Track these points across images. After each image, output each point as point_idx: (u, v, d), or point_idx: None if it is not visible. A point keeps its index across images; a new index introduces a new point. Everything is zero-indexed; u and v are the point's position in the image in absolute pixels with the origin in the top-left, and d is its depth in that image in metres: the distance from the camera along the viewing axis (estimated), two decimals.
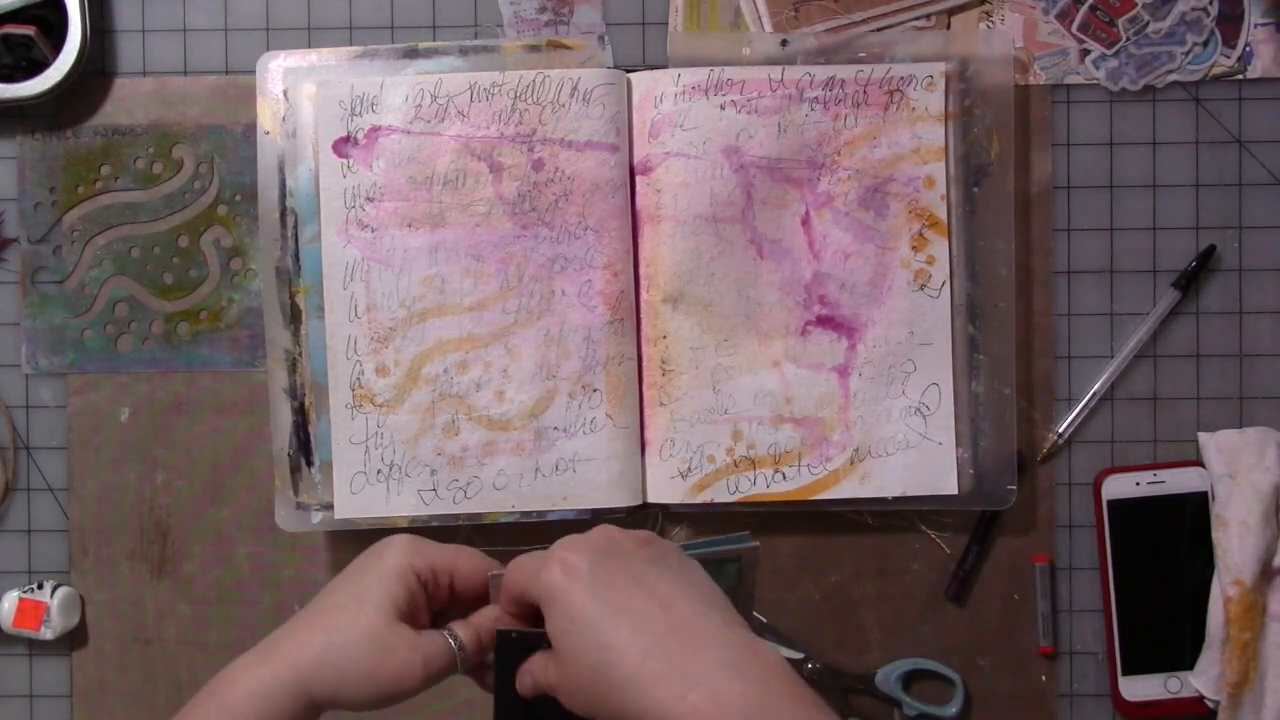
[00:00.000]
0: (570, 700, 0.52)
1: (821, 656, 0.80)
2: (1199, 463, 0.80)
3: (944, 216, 0.79)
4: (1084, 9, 0.81)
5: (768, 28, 0.80)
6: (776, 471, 0.78)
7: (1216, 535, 0.78)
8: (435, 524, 0.78)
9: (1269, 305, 0.81)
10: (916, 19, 0.80)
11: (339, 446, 0.78)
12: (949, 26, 0.81)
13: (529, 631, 0.56)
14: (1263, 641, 0.77)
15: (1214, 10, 0.80)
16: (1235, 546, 0.77)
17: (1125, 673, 0.80)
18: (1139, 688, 0.79)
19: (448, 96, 0.78)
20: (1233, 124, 0.81)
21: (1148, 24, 0.80)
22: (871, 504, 0.79)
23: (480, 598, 0.59)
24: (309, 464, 0.79)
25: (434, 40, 0.81)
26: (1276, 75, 0.81)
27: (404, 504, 0.78)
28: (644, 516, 0.80)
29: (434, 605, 0.59)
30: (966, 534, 0.81)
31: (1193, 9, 0.80)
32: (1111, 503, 0.80)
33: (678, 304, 0.78)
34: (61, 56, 0.79)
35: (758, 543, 0.60)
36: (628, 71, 0.79)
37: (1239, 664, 0.77)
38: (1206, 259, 0.81)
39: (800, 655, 0.80)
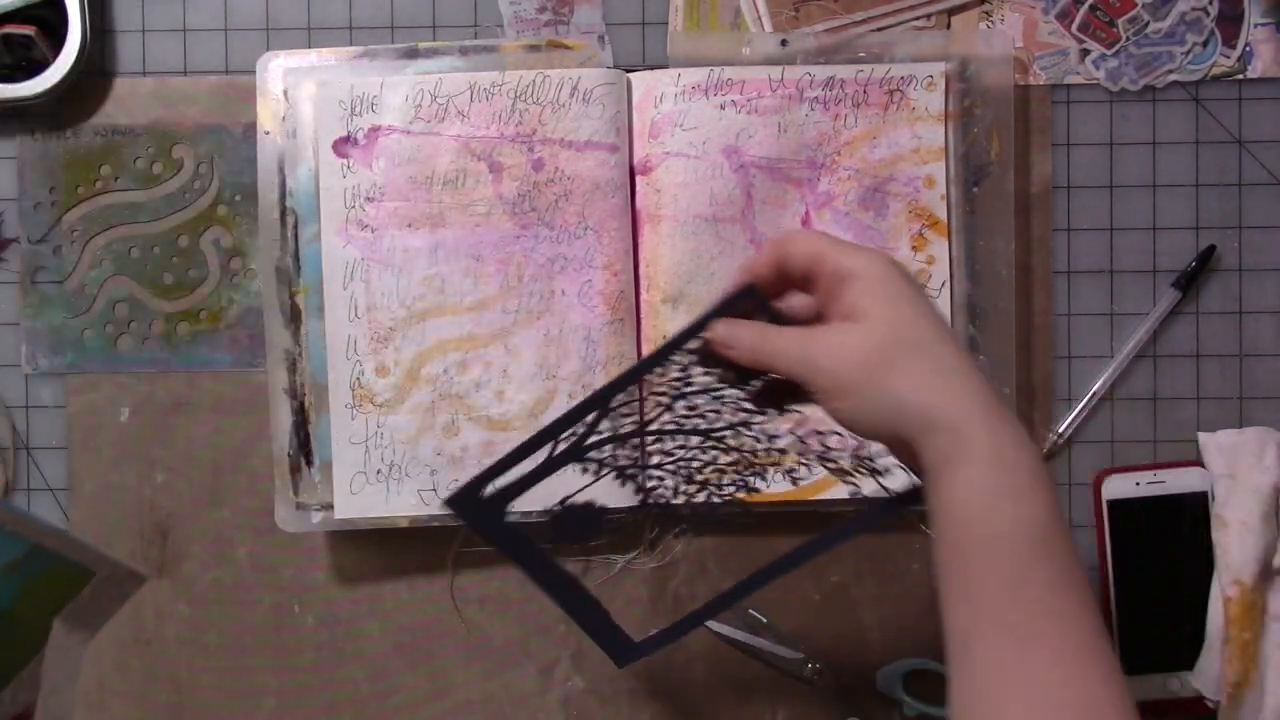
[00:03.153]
0: (832, 358, 0.55)
1: (821, 656, 0.80)
2: (1199, 463, 0.80)
3: (944, 216, 0.79)
4: (1084, 9, 0.81)
5: (768, 28, 0.80)
6: (777, 471, 0.78)
7: (1216, 535, 0.78)
8: (435, 524, 0.78)
9: (1269, 305, 0.81)
10: (916, 19, 0.80)
11: (339, 446, 0.78)
12: (949, 26, 0.81)
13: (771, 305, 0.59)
14: (1263, 641, 0.77)
15: (1214, 10, 0.80)
16: (1235, 546, 0.77)
17: (1125, 673, 0.79)
18: (1139, 688, 0.79)
19: (448, 96, 0.78)
20: (1233, 124, 0.81)
21: (1148, 24, 0.80)
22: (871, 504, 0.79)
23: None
24: (309, 464, 0.79)
25: (434, 40, 0.81)
26: (1276, 75, 0.81)
27: (404, 504, 0.78)
28: (644, 516, 0.80)
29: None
30: None
31: (1193, 9, 0.80)
32: (1111, 503, 0.80)
33: (678, 304, 0.78)
34: (61, 56, 0.79)
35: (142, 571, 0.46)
36: (628, 71, 0.79)
37: (1239, 664, 0.77)
38: (1206, 259, 0.81)
39: (800, 655, 0.80)
